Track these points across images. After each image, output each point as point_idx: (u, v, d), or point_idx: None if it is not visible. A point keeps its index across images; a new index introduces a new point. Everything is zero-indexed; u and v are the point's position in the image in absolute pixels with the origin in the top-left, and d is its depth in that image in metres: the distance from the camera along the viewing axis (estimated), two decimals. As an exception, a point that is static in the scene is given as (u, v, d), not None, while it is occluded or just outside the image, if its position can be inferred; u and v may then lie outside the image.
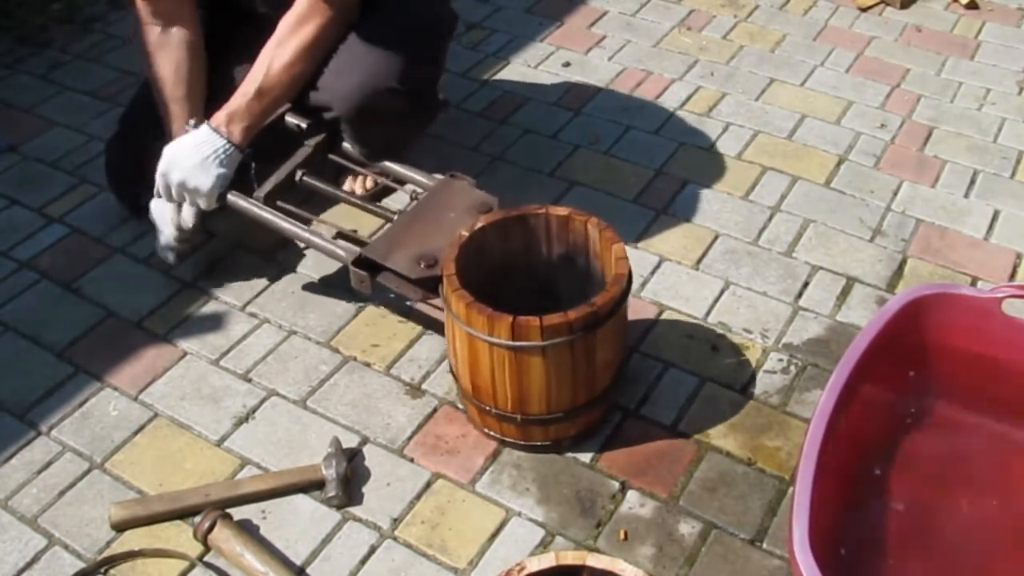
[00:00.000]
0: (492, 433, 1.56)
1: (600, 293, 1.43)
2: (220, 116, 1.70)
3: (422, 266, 1.56)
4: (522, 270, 1.59)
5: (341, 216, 1.98)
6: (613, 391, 1.57)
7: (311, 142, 1.83)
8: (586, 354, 1.43)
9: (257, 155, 1.77)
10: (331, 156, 1.88)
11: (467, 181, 1.74)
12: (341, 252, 1.66)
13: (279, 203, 1.77)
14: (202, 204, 1.72)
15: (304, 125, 1.83)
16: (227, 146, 1.69)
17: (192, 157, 1.68)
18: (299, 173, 1.82)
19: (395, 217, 1.72)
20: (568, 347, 1.40)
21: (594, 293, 1.43)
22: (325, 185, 1.84)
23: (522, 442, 1.55)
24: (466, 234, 1.51)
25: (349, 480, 1.51)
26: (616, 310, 1.44)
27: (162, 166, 1.70)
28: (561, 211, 1.55)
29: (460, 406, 1.64)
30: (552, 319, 1.36)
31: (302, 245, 1.91)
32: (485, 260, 1.53)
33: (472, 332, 1.40)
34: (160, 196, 1.74)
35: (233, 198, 1.73)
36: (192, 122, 1.76)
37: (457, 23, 2.01)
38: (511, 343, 1.38)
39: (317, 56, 1.75)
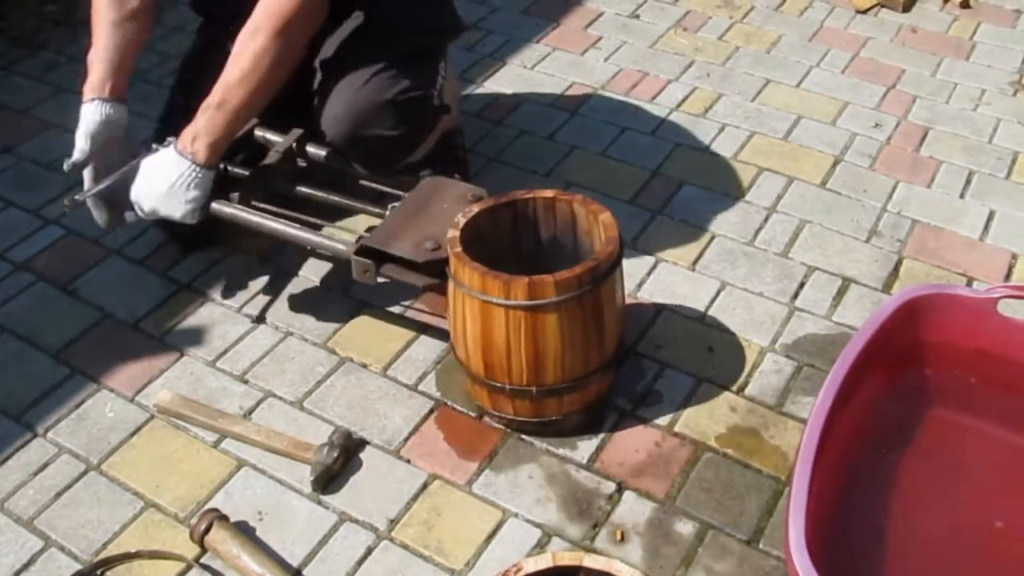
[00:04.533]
0: (504, 415, 1.57)
1: (597, 252, 1.47)
2: (185, 136, 1.66)
3: (427, 249, 1.56)
4: (512, 255, 1.60)
5: (325, 217, 1.95)
6: (618, 357, 1.59)
7: (280, 148, 1.82)
8: (595, 309, 1.47)
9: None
10: (299, 161, 1.87)
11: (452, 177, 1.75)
12: (341, 246, 1.65)
13: (273, 208, 1.77)
14: (185, 221, 1.70)
15: (272, 138, 1.83)
16: (192, 167, 1.65)
17: (160, 185, 1.65)
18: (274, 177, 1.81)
19: (387, 213, 1.71)
20: (578, 302, 1.44)
21: None
22: (302, 188, 1.83)
23: (534, 419, 1.56)
24: (464, 218, 1.53)
25: (335, 474, 1.52)
26: (614, 268, 1.48)
27: (133, 194, 1.68)
28: (547, 194, 1.59)
29: (458, 406, 1.64)
30: (563, 275, 1.41)
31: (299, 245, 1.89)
32: (479, 247, 1.54)
33: (489, 300, 1.42)
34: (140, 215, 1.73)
35: (218, 206, 1.71)
36: (170, 140, 1.74)
37: (459, 32, 2.01)
38: (528, 302, 1.41)
39: (280, 61, 1.69)
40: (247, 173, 1.76)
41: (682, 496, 1.50)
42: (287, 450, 1.55)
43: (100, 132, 1.74)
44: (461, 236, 1.50)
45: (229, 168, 1.76)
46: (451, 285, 1.49)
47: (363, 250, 1.61)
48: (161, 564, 1.43)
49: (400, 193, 1.75)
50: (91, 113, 1.74)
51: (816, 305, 1.83)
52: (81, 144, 1.74)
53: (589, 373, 1.52)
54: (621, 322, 1.58)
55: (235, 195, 1.74)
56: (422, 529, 1.46)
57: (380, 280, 1.62)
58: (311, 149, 1.85)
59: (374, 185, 1.82)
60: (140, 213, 1.71)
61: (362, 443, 1.59)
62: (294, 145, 1.82)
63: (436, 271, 1.56)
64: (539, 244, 1.62)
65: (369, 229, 1.66)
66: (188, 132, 1.66)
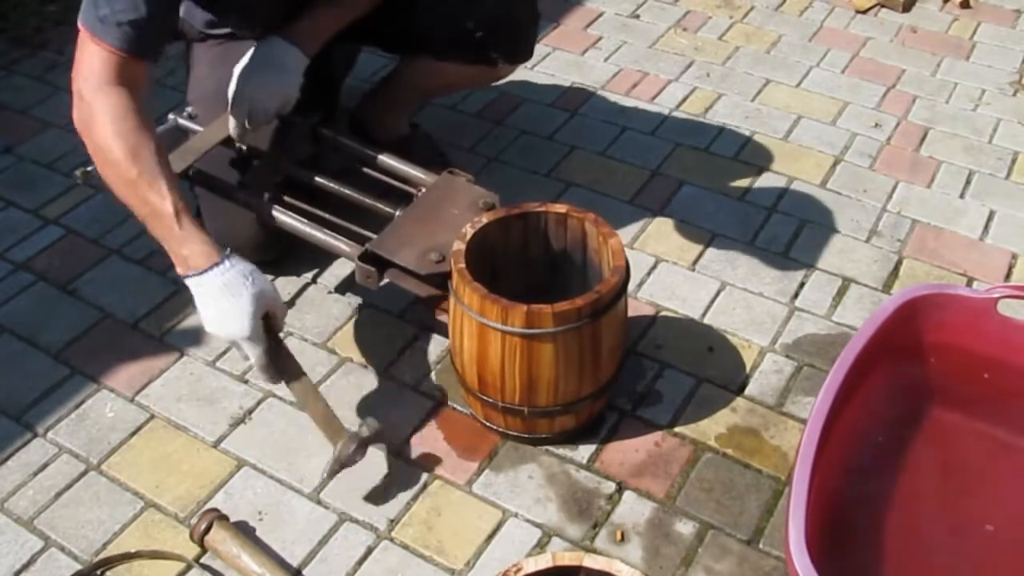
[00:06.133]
0: (496, 427, 1.57)
1: (601, 283, 1.45)
2: (286, 31, 1.72)
3: (431, 261, 1.56)
4: (520, 266, 1.60)
5: (331, 211, 1.95)
6: (615, 383, 1.58)
7: (298, 133, 1.81)
8: (593, 341, 1.45)
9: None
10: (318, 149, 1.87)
11: (465, 177, 1.74)
12: (345, 247, 1.65)
13: (284, 198, 1.76)
14: (282, 107, 1.72)
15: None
16: (293, 50, 1.70)
17: (263, 69, 1.68)
18: (283, 163, 1.80)
19: (396, 213, 1.71)
20: (576, 334, 1.42)
21: (592, 286, 1.45)
22: (315, 177, 1.82)
23: (526, 435, 1.56)
24: (472, 230, 1.52)
25: (343, 466, 1.44)
26: (617, 299, 1.46)
27: (235, 88, 1.68)
28: (559, 208, 1.57)
29: (458, 407, 1.64)
30: (562, 306, 1.39)
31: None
32: (486, 257, 1.54)
33: (486, 323, 1.41)
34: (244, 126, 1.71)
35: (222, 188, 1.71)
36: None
37: None
38: (525, 331, 1.40)
39: None
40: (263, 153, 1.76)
41: (682, 496, 1.50)
42: (321, 422, 1.45)
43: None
44: (467, 247, 1.48)
45: (245, 149, 1.76)
46: (452, 299, 1.49)
47: (367, 256, 1.60)
48: (161, 564, 1.43)
49: (412, 190, 1.75)
50: (242, 283, 1.38)
51: (816, 305, 1.83)
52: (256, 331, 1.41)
53: (582, 398, 1.51)
54: (621, 348, 1.56)
55: (250, 178, 1.72)
56: (422, 529, 1.46)
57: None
58: (328, 134, 1.84)
59: (386, 179, 1.81)
60: (242, 106, 1.69)
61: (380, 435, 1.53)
62: (311, 130, 1.82)
63: (439, 283, 1.56)
64: (548, 254, 1.62)
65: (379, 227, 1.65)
66: (289, 29, 1.72)
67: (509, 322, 1.40)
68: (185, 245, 1.40)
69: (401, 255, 1.58)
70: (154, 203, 1.41)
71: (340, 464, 1.45)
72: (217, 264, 1.39)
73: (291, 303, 1.85)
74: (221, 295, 1.38)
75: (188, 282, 1.41)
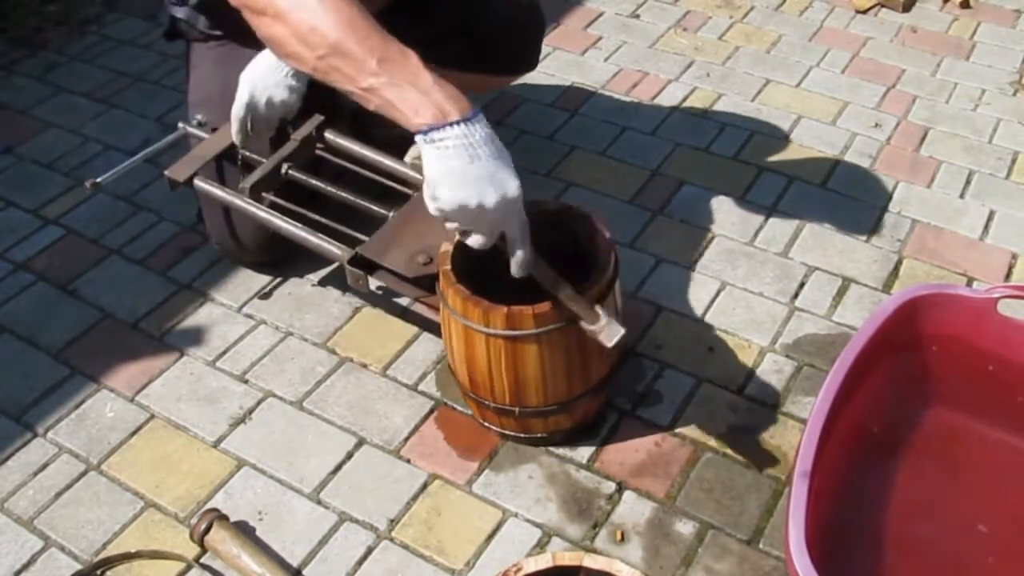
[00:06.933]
0: (492, 427, 1.57)
1: (587, 282, 1.43)
2: None
3: (419, 263, 1.56)
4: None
5: (330, 213, 1.96)
6: (610, 382, 1.57)
7: (299, 135, 1.81)
8: (579, 341, 1.43)
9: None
10: (319, 152, 1.86)
11: None
12: (336, 251, 1.65)
13: (278, 201, 1.76)
14: (286, 115, 1.69)
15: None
16: None
17: (267, 76, 1.65)
18: (285, 167, 1.80)
19: (390, 215, 1.71)
20: (561, 334, 1.40)
21: (585, 283, 1.43)
22: (314, 180, 1.82)
23: (523, 435, 1.56)
24: None
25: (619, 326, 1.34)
26: (605, 296, 1.44)
27: (239, 95, 1.66)
28: (551, 205, 1.57)
29: (458, 407, 1.64)
30: (543, 307, 1.37)
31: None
32: (478, 256, 1.53)
33: (470, 325, 1.41)
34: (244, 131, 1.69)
35: (226, 196, 1.71)
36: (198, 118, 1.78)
37: None
38: (507, 332, 1.39)
39: None
40: (263, 160, 1.76)
41: (682, 496, 1.50)
42: (577, 302, 1.34)
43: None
44: (455, 248, 1.47)
45: (244, 154, 1.76)
46: (440, 301, 1.49)
47: (356, 259, 1.60)
48: (161, 564, 1.43)
49: (409, 191, 1.75)
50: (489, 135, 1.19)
51: (816, 305, 1.83)
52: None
53: (574, 398, 1.50)
54: (613, 349, 1.54)
55: (244, 185, 1.72)
56: (422, 529, 1.46)
57: (375, 289, 1.61)
58: (329, 136, 1.84)
59: (384, 180, 1.81)
60: (246, 105, 1.67)
61: (357, 445, 1.57)
62: (313, 132, 1.81)
63: (427, 285, 1.55)
64: (542, 251, 1.61)
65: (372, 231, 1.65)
66: None
67: (491, 324, 1.39)
68: (438, 89, 1.16)
69: (389, 258, 1.58)
70: (392, 48, 1.17)
71: (618, 324, 1.31)
72: (477, 110, 1.16)
73: (292, 303, 1.85)
74: (491, 146, 1.17)
75: (449, 132, 1.16)
